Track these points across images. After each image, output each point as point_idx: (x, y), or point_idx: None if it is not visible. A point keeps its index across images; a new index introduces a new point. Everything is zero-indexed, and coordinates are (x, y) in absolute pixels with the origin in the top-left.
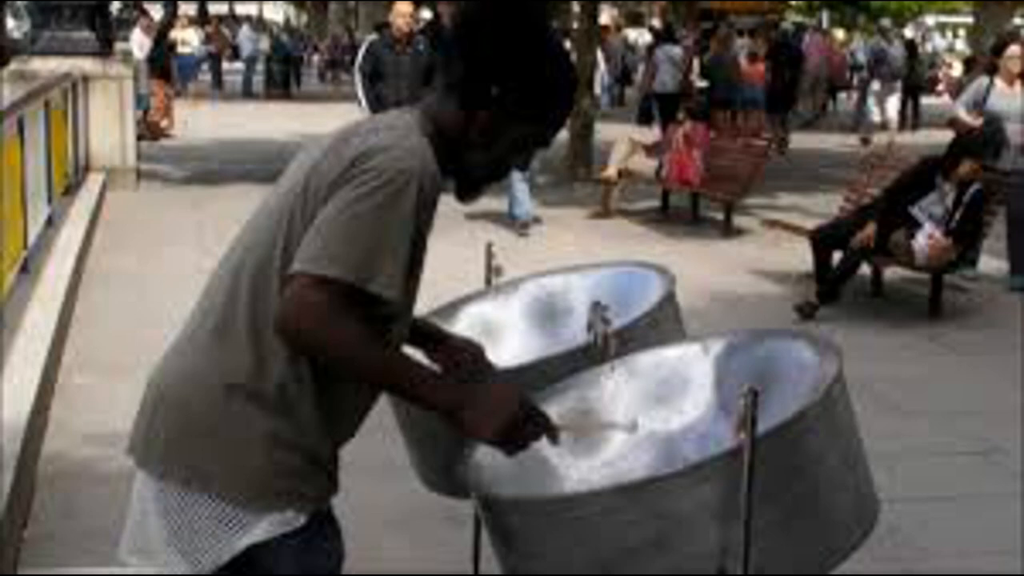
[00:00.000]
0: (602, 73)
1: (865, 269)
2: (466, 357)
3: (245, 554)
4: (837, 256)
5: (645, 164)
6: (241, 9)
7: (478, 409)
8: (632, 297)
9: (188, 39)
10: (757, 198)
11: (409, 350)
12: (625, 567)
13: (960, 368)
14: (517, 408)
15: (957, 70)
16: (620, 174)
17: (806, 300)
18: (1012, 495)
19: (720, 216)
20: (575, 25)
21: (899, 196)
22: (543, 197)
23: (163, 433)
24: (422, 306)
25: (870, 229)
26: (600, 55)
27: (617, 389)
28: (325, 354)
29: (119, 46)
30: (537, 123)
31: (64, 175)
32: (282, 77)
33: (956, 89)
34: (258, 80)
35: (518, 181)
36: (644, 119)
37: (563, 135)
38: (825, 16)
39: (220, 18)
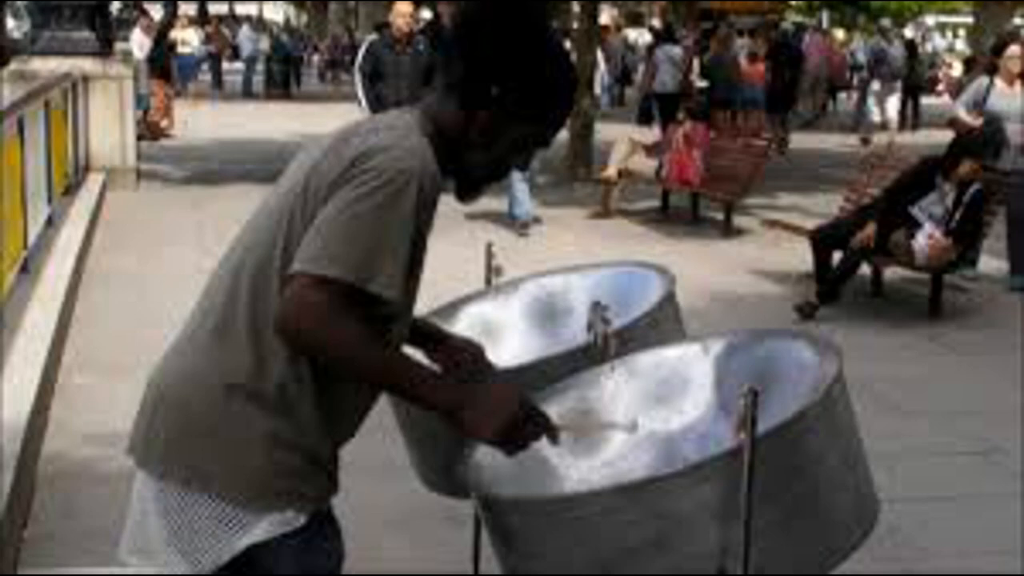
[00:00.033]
0: (602, 73)
1: (865, 269)
2: (466, 357)
3: (245, 554)
4: (837, 256)
5: (645, 164)
6: (241, 9)
7: (478, 409)
8: (632, 297)
9: (188, 39)
10: (757, 198)
11: (409, 350)
12: (625, 567)
13: (960, 368)
14: (517, 408)
15: (957, 70)
16: (620, 174)
17: (806, 300)
18: (1012, 495)
19: (720, 216)
20: (575, 25)
21: (899, 196)
22: (543, 197)
23: (163, 433)
24: (422, 306)
25: (870, 229)
26: (600, 55)
27: (617, 389)
28: (325, 354)
29: (119, 46)
30: (537, 123)
31: (64, 175)
32: (282, 77)
33: (956, 89)
34: (258, 80)
35: (518, 181)
36: (644, 119)
37: (563, 135)
38: (825, 16)
39: (220, 18)
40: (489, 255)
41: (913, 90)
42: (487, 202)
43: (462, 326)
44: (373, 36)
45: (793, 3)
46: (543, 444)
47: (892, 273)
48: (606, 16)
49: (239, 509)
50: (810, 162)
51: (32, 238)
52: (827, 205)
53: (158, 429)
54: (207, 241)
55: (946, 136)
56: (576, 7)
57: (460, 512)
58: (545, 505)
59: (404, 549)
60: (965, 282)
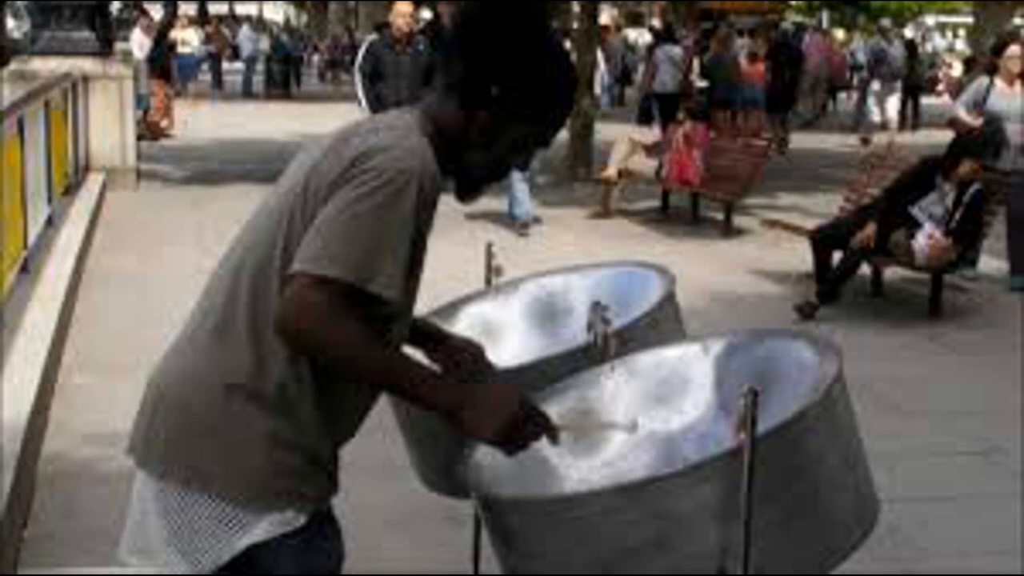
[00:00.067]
0: (602, 73)
1: (865, 269)
2: (466, 357)
3: (245, 554)
4: (837, 256)
5: (645, 164)
6: (241, 9)
7: (478, 409)
8: (632, 297)
9: (188, 39)
10: (757, 198)
11: (409, 350)
12: (625, 567)
13: (960, 368)
14: (517, 408)
15: (957, 70)
16: (620, 174)
17: (806, 300)
18: (1012, 495)
19: (720, 216)
20: (575, 25)
21: (899, 196)
22: (543, 197)
23: (163, 433)
24: (422, 306)
25: (870, 229)
26: (600, 55)
27: (617, 389)
28: (325, 354)
29: (119, 46)
30: (537, 123)
31: (64, 175)
32: (282, 77)
33: (956, 89)
34: (258, 80)
35: (518, 181)
36: (644, 119)
37: (563, 135)
38: (825, 16)
39: (220, 18)
40: (489, 255)
41: (913, 90)
42: (487, 202)
43: (462, 326)
44: (373, 36)
45: (793, 3)
46: (543, 444)
47: (892, 273)
48: (606, 16)
49: (239, 509)
50: (810, 162)
51: (32, 238)
52: (827, 205)
53: (158, 429)
54: (207, 241)
55: (946, 136)
56: (576, 7)
57: (460, 512)
58: (545, 505)
59: (404, 549)
60: (965, 282)
